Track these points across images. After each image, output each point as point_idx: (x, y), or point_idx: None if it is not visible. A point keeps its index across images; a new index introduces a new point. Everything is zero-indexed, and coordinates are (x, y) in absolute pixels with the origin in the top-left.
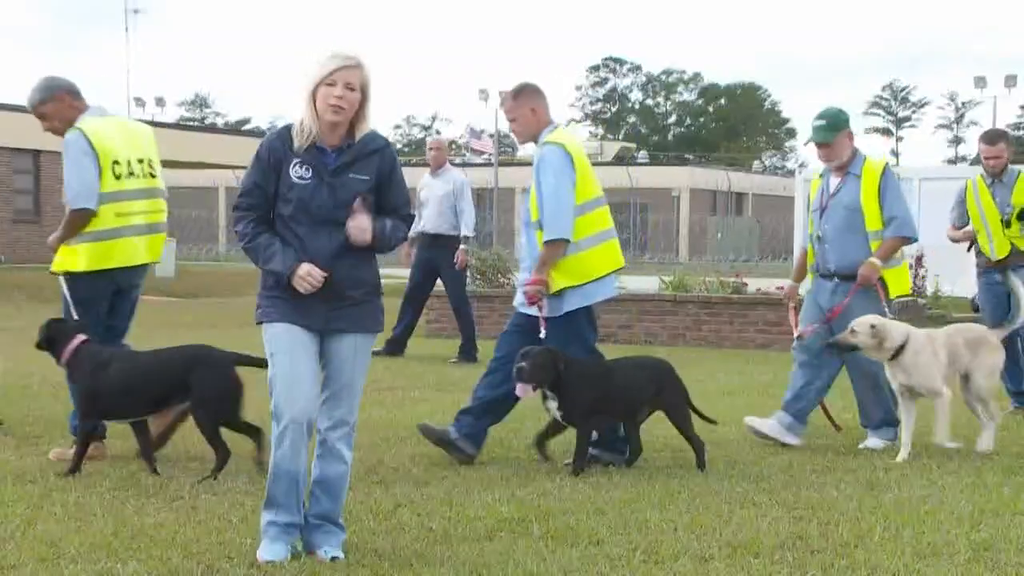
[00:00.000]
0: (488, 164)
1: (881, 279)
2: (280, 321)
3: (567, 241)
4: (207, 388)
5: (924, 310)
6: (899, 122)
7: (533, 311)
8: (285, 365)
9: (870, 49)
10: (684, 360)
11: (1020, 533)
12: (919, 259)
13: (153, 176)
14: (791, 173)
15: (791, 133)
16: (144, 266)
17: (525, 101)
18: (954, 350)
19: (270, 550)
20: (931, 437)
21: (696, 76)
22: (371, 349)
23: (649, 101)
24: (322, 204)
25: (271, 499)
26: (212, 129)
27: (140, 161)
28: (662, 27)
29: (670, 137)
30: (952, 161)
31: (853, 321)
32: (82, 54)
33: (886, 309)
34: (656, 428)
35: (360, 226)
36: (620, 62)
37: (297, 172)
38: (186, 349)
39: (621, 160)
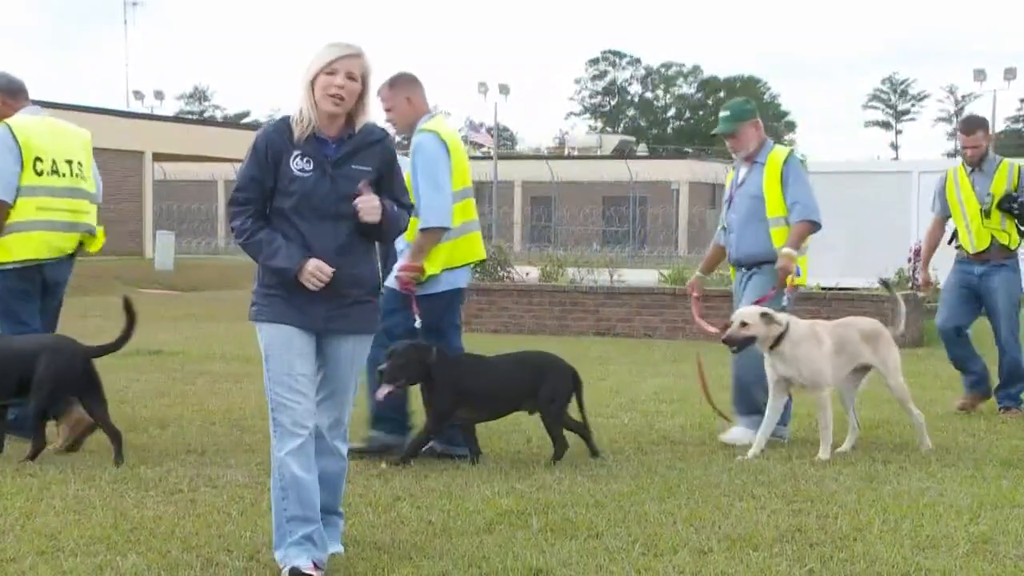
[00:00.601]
0: (487, 157)
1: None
2: (275, 322)
3: (444, 229)
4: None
5: (923, 303)
6: (899, 115)
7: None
8: (284, 368)
9: (870, 43)
10: (682, 354)
11: (1018, 526)
12: (917, 252)
13: (82, 178)
14: None
15: (790, 126)
16: (69, 263)
17: (400, 90)
18: (844, 342)
19: (304, 562)
20: (929, 431)
21: (695, 69)
22: (368, 349)
23: (648, 94)
24: (325, 197)
25: (281, 514)
26: (211, 122)
27: (68, 162)
28: (661, 20)
29: (669, 130)
30: (951, 154)
31: (738, 315)
32: (81, 48)
33: (785, 299)
34: (656, 422)
35: (371, 203)
36: (619, 55)
37: (298, 164)
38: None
39: (620, 153)
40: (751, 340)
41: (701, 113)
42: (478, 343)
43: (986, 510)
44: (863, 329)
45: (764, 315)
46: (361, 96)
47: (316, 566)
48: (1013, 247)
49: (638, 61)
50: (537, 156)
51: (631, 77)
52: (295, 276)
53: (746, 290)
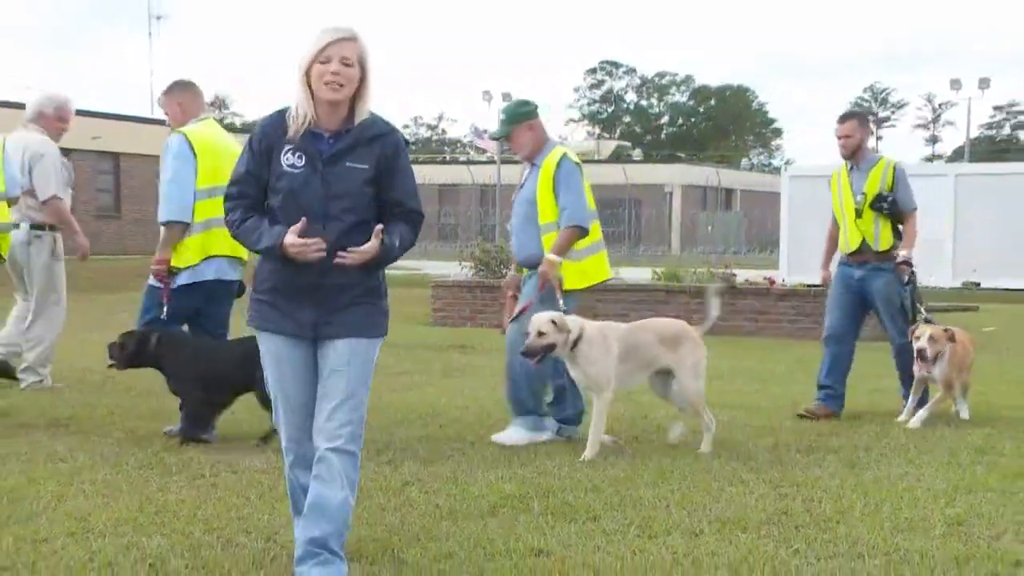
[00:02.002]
0: (491, 162)
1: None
2: (266, 331)
3: (182, 223)
4: None
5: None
6: (879, 122)
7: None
8: (276, 384)
9: (852, 53)
10: None
11: (991, 509)
12: None
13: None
14: (777, 170)
15: (777, 132)
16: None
17: (174, 96)
18: (636, 345)
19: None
20: (908, 422)
21: (688, 79)
22: (374, 356)
23: (643, 102)
24: (313, 196)
25: (295, 508)
26: (231, 129)
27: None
28: (656, 32)
29: (663, 136)
30: (929, 159)
31: (532, 323)
32: (108, 58)
33: (560, 302)
34: (650, 412)
35: (352, 259)
36: (616, 65)
37: (288, 160)
38: None
39: (617, 158)
40: (551, 348)
41: (693, 120)
42: (483, 337)
43: (961, 494)
44: (661, 332)
45: (554, 321)
46: (361, 83)
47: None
48: (882, 249)
49: (633, 71)
50: None
51: (627, 86)
52: (283, 254)
53: (532, 299)
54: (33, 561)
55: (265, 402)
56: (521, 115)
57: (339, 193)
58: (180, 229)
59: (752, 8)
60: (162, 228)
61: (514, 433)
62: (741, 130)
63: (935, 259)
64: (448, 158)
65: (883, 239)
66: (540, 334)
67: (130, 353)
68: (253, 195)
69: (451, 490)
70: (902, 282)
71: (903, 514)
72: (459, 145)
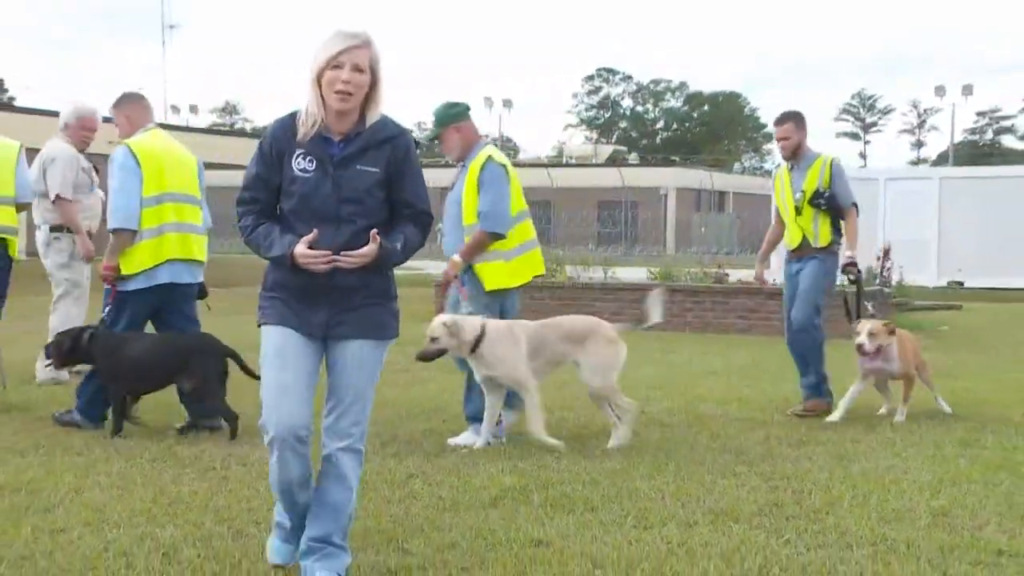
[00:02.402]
0: None
1: (475, 272)
2: (277, 324)
3: (130, 231)
4: None
5: (890, 298)
6: (867, 127)
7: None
8: (273, 374)
9: (841, 61)
10: (671, 344)
11: (974, 500)
12: (886, 252)
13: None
14: (768, 173)
15: (768, 137)
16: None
17: (122, 109)
18: (544, 342)
19: (279, 552)
20: (893, 416)
21: (682, 85)
22: (383, 357)
23: (639, 108)
24: (325, 199)
25: (277, 514)
26: (241, 133)
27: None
28: (651, 41)
29: (658, 140)
30: (914, 162)
31: (428, 327)
32: (124, 65)
33: (466, 305)
34: (646, 406)
35: (354, 260)
36: (613, 72)
37: (300, 164)
38: None
39: (613, 162)
40: (442, 352)
41: (687, 125)
42: None
43: (945, 486)
44: (569, 329)
45: (447, 325)
46: (372, 88)
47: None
48: (821, 245)
49: (630, 78)
50: (538, 164)
51: (623, 92)
52: (292, 264)
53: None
54: (51, 550)
55: (188, 396)
56: (450, 117)
57: (350, 196)
58: (128, 236)
59: (745, 18)
60: (111, 236)
61: (467, 436)
62: (733, 135)
63: (921, 259)
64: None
65: (822, 235)
66: (432, 339)
67: (66, 351)
68: (264, 199)
69: (453, 482)
70: (850, 280)
71: (890, 505)
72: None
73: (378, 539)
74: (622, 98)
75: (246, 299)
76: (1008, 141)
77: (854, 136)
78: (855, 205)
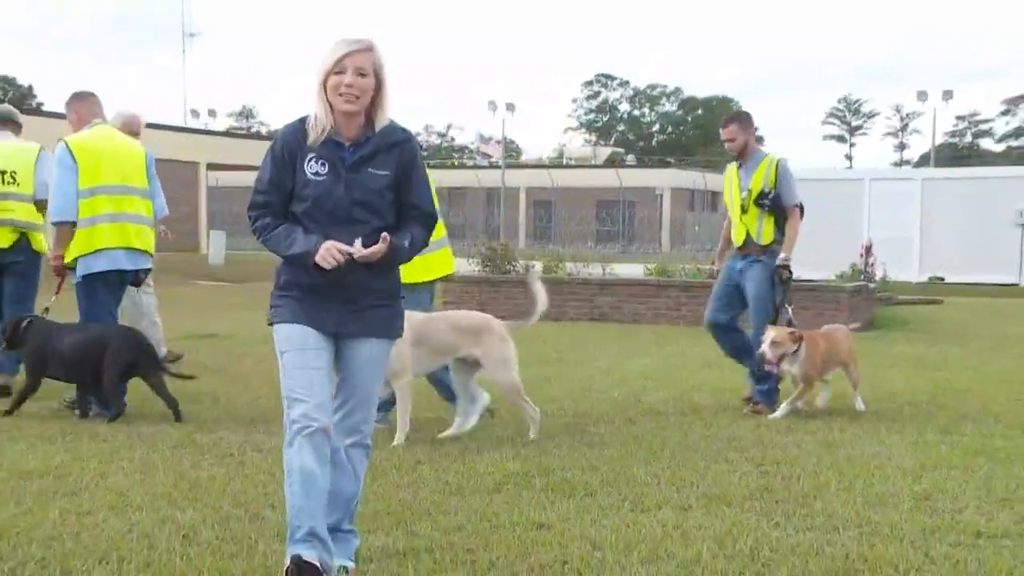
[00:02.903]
0: (496, 166)
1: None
2: (291, 322)
3: (68, 222)
4: None
5: (874, 293)
6: (852, 130)
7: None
8: (295, 365)
9: (828, 66)
10: (666, 336)
11: (955, 484)
12: (869, 248)
13: (10, 184)
14: None
15: (759, 140)
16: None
17: (72, 106)
18: (429, 333)
19: (308, 553)
20: (879, 403)
21: (676, 90)
22: (388, 356)
23: (636, 112)
24: (338, 201)
25: (291, 510)
26: (257, 136)
27: (2, 172)
28: (648, 47)
29: (654, 143)
30: (897, 164)
31: None
32: (146, 71)
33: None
34: (643, 395)
35: (367, 254)
36: (611, 78)
37: (312, 168)
38: None
39: (611, 163)
40: None
41: (681, 128)
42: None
43: (927, 471)
44: (457, 323)
45: None
46: (377, 92)
47: (321, 566)
48: (764, 243)
49: (627, 83)
50: (539, 165)
51: (621, 97)
52: (312, 261)
53: None
54: (77, 532)
55: (99, 388)
56: None
57: (362, 199)
58: (66, 228)
59: (736, 27)
60: (54, 228)
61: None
62: None
63: (903, 256)
64: (456, 163)
65: (765, 234)
66: None
67: (8, 336)
68: (277, 202)
69: (459, 468)
70: (780, 281)
71: (874, 490)
72: (466, 151)
73: (388, 522)
74: (619, 102)
75: (261, 295)
76: (986, 144)
77: (840, 139)
78: (799, 207)
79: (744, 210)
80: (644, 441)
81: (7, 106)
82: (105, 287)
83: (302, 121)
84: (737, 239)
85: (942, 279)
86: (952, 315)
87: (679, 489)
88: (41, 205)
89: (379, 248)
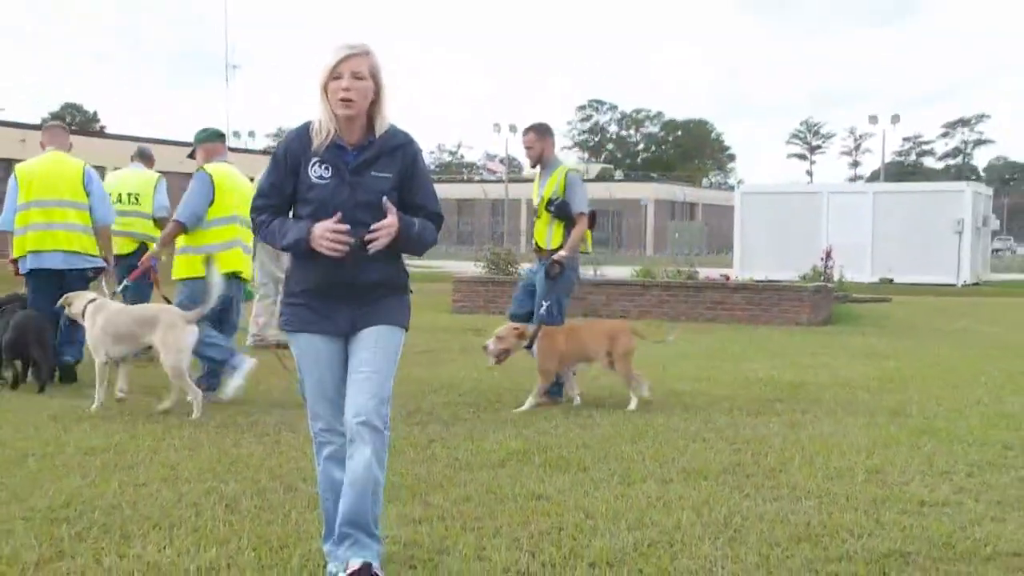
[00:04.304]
0: (500, 181)
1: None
2: (303, 332)
3: (9, 232)
4: None
5: (832, 292)
6: (812, 149)
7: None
8: (310, 381)
9: (791, 93)
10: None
11: (902, 460)
12: (828, 253)
13: (133, 204)
14: (731, 188)
15: (731, 157)
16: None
17: (42, 136)
18: (116, 324)
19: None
20: (836, 389)
21: (659, 114)
22: (399, 343)
23: (623, 132)
24: (342, 204)
25: (326, 522)
26: None
27: (129, 194)
28: (633, 77)
29: (639, 160)
30: (852, 179)
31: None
32: (194, 96)
33: (108, 289)
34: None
35: (382, 235)
36: (601, 103)
37: (316, 172)
38: None
39: (601, 178)
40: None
41: (664, 147)
42: (494, 322)
43: (878, 448)
44: (139, 315)
45: (68, 300)
46: (377, 95)
47: (371, 567)
48: (553, 247)
49: (615, 107)
50: None
51: (610, 119)
52: (309, 247)
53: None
54: (134, 501)
55: (34, 371)
56: (198, 139)
57: (366, 201)
58: (9, 236)
59: (711, 57)
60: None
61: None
62: (702, 155)
63: (857, 260)
64: (466, 178)
65: (554, 238)
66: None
67: None
68: (277, 204)
69: (468, 446)
70: (549, 276)
71: (832, 464)
72: (474, 167)
73: (404, 494)
74: (609, 124)
75: None
76: (928, 162)
77: (802, 157)
78: (585, 214)
79: (537, 215)
80: (631, 423)
81: (144, 145)
82: (43, 281)
83: (306, 127)
84: (535, 242)
85: (891, 280)
86: (900, 312)
87: (662, 465)
88: (159, 222)
89: (390, 220)
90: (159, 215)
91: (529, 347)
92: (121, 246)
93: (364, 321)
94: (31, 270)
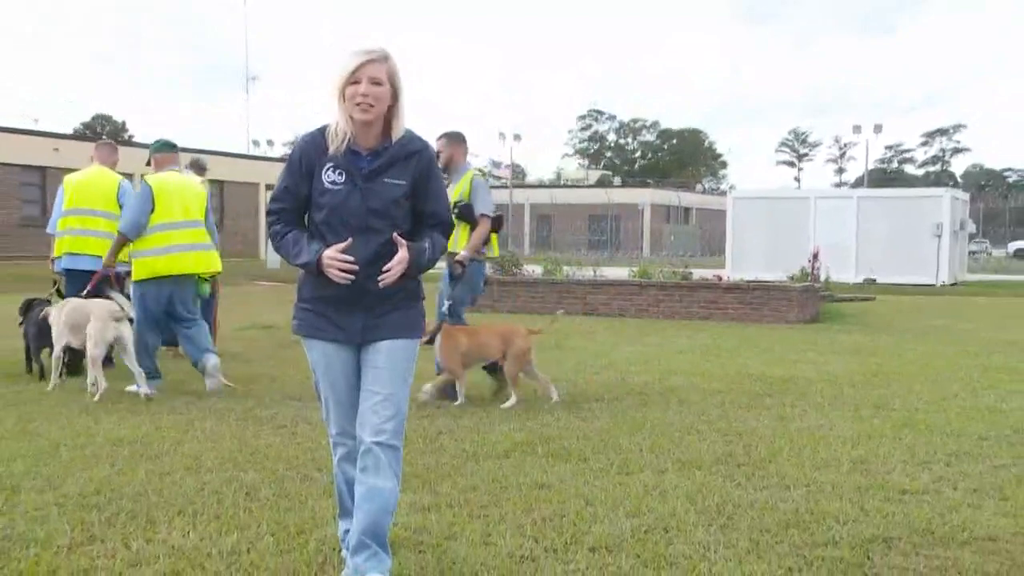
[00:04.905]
0: (505, 186)
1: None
2: (314, 337)
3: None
4: None
5: (819, 291)
6: (800, 157)
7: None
8: (323, 387)
9: (780, 104)
10: (646, 329)
11: (885, 451)
12: (815, 255)
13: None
14: (724, 193)
15: (723, 164)
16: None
17: (95, 151)
18: (75, 317)
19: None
20: (822, 384)
21: (655, 123)
22: (414, 354)
23: (621, 141)
24: (354, 210)
25: (341, 504)
26: None
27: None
28: (631, 88)
29: (636, 167)
30: (837, 185)
31: None
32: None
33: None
34: (627, 376)
35: (391, 275)
36: (600, 113)
37: (330, 177)
38: None
39: (601, 183)
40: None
41: (659, 154)
42: (497, 319)
43: (863, 440)
44: (83, 311)
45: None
46: (394, 101)
47: None
48: (457, 249)
49: (614, 117)
50: (541, 185)
51: (609, 128)
52: (319, 270)
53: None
54: (160, 489)
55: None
56: (152, 150)
57: (377, 208)
58: (52, 239)
59: (705, 70)
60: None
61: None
62: (696, 162)
63: (842, 261)
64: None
65: (459, 240)
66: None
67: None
68: (291, 208)
69: (474, 438)
70: (452, 276)
71: (819, 455)
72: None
73: (415, 483)
74: (608, 133)
75: None
76: (909, 169)
77: (791, 164)
78: (488, 216)
79: None
80: (628, 416)
81: (197, 156)
82: (77, 280)
83: (321, 131)
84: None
85: (874, 280)
86: (882, 310)
87: (658, 455)
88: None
89: (402, 256)
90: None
91: (429, 343)
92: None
93: (376, 333)
94: (67, 269)
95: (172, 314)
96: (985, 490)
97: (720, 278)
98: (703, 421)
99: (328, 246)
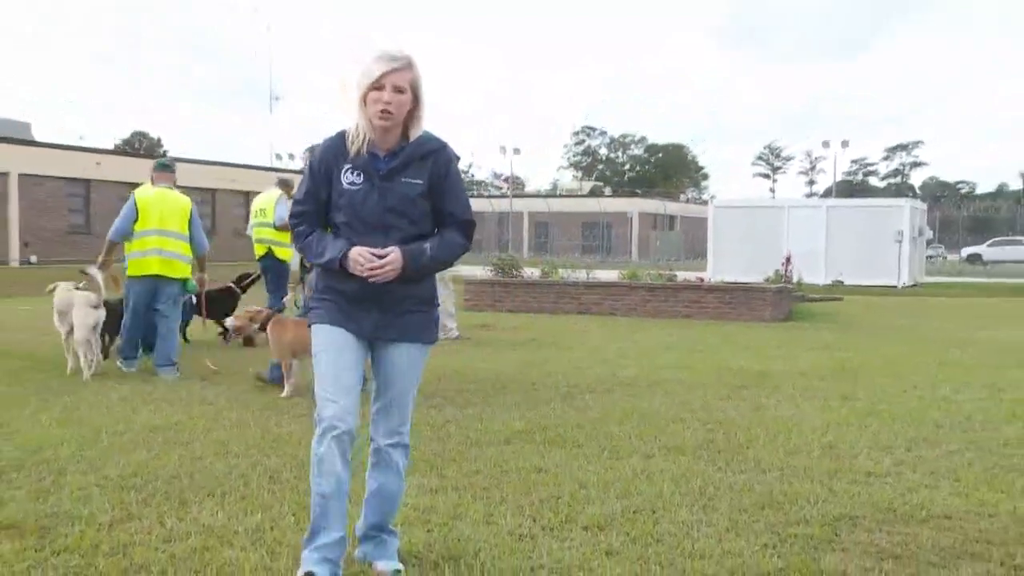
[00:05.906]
0: (505, 196)
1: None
2: (328, 324)
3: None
4: None
5: (791, 292)
6: (775, 170)
7: None
8: (328, 364)
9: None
10: (635, 327)
11: (851, 437)
12: (788, 259)
13: (262, 216)
14: (706, 202)
15: (705, 176)
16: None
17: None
18: (62, 306)
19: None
20: (795, 377)
21: (643, 138)
22: (426, 359)
23: (612, 154)
24: (372, 209)
25: (313, 520)
26: None
27: (261, 210)
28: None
29: (626, 178)
30: (808, 195)
31: None
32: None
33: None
34: (618, 371)
35: (378, 270)
36: (593, 129)
37: (348, 178)
38: None
39: (594, 194)
40: None
41: (647, 167)
42: (500, 319)
43: (831, 428)
44: (67, 299)
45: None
46: (414, 106)
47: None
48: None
49: (605, 132)
50: (538, 195)
51: (600, 143)
52: (342, 267)
53: None
54: (191, 472)
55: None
56: (153, 168)
57: (395, 206)
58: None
59: (689, 88)
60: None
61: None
62: (680, 174)
63: (813, 264)
64: (476, 193)
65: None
66: None
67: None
68: (313, 210)
69: (478, 426)
70: (304, 270)
71: (792, 441)
72: (483, 184)
73: (422, 467)
74: (599, 148)
75: None
76: (873, 181)
77: (766, 176)
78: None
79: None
80: (619, 406)
81: (284, 175)
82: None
83: (340, 135)
84: (258, 251)
85: (842, 282)
86: (849, 310)
87: (645, 442)
88: (280, 229)
89: (392, 257)
90: (278, 224)
91: (262, 330)
92: (256, 250)
93: (389, 333)
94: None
95: (156, 309)
96: (941, 473)
97: (702, 280)
98: (687, 411)
99: (352, 245)
